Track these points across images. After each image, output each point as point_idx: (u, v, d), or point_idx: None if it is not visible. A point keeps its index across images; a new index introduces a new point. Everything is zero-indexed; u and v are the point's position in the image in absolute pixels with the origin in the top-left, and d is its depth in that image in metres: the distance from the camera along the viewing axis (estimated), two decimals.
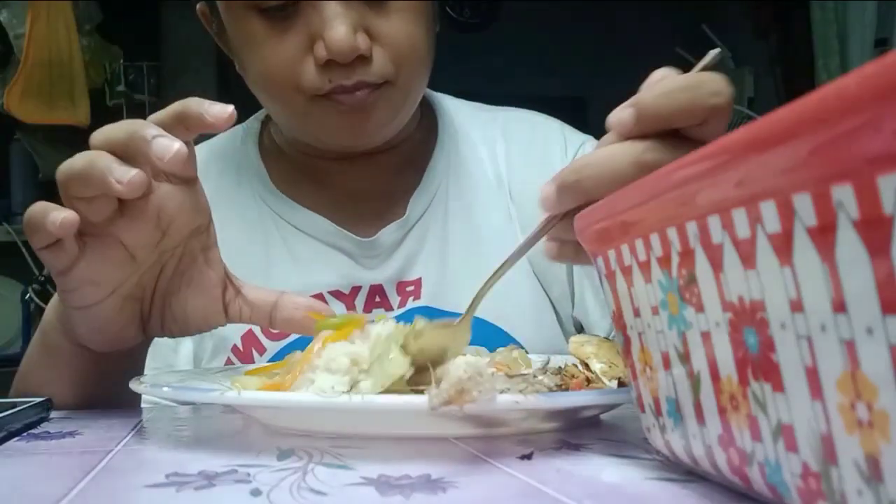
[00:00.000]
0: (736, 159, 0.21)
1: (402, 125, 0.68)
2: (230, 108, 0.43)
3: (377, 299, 0.68)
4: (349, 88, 0.61)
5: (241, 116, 0.79)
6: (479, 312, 0.68)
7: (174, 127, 0.43)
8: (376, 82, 0.61)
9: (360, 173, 0.72)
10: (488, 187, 0.73)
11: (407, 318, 0.67)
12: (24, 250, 1.88)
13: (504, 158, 0.75)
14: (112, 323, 0.48)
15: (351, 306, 0.68)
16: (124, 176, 0.41)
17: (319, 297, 0.68)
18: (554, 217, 0.41)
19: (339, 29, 0.58)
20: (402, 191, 0.72)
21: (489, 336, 0.66)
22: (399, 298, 0.69)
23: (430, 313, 0.67)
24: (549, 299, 0.71)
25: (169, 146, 0.41)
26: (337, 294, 0.68)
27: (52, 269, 0.46)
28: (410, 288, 0.70)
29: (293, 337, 0.66)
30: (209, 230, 0.50)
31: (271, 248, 0.70)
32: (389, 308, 0.68)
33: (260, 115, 0.79)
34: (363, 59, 0.60)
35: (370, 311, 0.68)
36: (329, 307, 0.51)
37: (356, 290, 0.68)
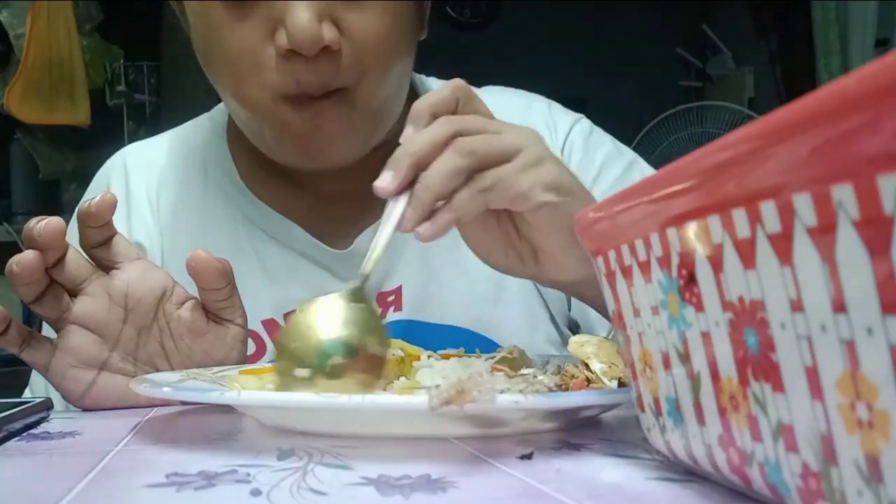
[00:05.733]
0: (736, 159, 0.21)
1: (371, 142, 0.61)
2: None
3: None
4: (315, 95, 0.54)
5: None
6: (470, 324, 0.64)
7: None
8: (342, 86, 0.55)
9: (336, 177, 0.66)
10: None
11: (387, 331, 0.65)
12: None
13: None
14: (125, 394, 0.50)
15: None
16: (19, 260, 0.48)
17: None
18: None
19: (301, 15, 0.51)
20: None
21: (480, 347, 0.65)
22: (380, 310, 0.65)
23: (411, 327, 0.64)
24: (545, 302, 0.68)
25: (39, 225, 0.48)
26: None
27: (36, 368, 0.51)
28: (391, 297, 0.66)
29: None
30: (176, 290, 0.52)
31: (241, 257, 0.65)
32: None
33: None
34: (330, 56, 0.53)
35: None
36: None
37: None
